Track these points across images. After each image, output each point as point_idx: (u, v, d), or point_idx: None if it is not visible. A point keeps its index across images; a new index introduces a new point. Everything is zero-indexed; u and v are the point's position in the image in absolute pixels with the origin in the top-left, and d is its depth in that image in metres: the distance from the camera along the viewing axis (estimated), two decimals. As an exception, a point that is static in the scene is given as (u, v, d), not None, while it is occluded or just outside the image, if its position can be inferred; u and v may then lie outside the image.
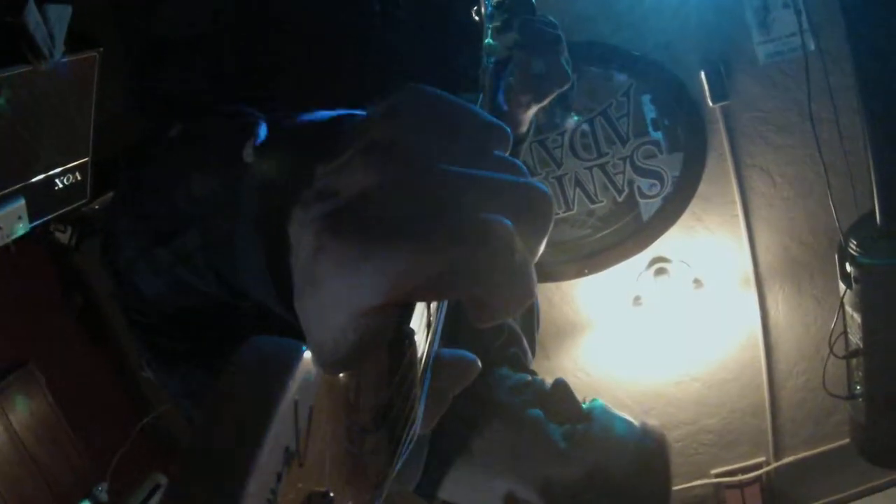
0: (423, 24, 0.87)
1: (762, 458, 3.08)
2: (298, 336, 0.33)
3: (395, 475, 0.39)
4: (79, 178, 1.62)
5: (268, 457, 0.24)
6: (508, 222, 0.32)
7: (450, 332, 0.50)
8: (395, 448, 0.37)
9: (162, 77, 0.86)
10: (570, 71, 0.98)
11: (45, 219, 1.61)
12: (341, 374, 0.34)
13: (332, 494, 0.31)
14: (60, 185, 1.58)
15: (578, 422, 0.98)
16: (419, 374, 0.38)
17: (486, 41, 0.83)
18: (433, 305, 0.40)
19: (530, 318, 1.21)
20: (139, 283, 0.59)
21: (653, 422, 1.02)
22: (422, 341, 0.38)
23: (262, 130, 0.48)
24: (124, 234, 0.61)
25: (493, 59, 0.87)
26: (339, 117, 0.44)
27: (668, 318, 2.96)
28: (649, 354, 3.03)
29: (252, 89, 0.79)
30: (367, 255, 0.30)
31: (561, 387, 1.02)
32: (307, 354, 0.32)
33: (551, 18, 1.02)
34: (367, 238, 0.31)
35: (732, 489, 3.07)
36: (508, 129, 0.37)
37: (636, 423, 1.02)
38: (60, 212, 1.64)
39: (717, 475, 3.10)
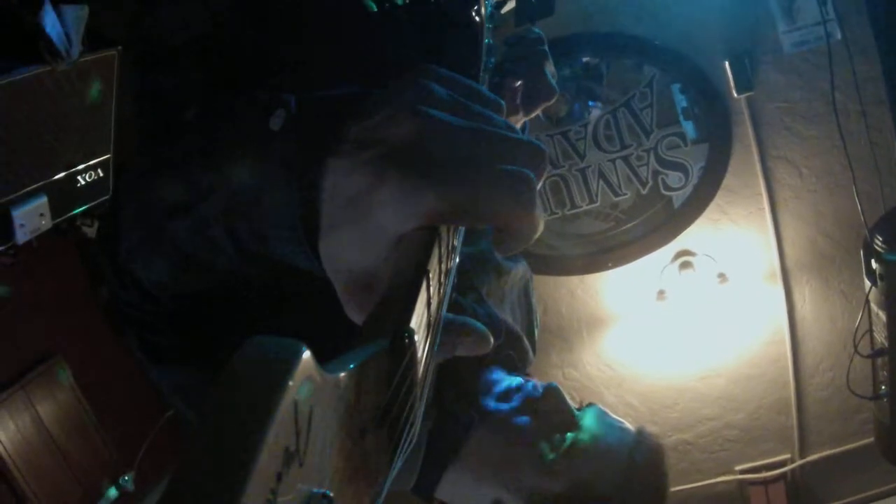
0: (422, 24, 0.87)
1: (787, 455, 3.04)
2: (298, 336, 0.33)
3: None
4: (101, 174, 1.64)
5: (268, 457, 0.24)
6: (532, 174, 0.40)
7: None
8: (395, 448, 0.37)
9: (160, 79, 0.87)
10: (555, 84, 1.00)
11: (68, 216, 1.63)
12: (342, 375, 0.34)
13: (331, 494, 0.30)
14: (83, 182, 1.60)
15: (569, 430, 0.97)
16: (419, 374, 0.38)
17: (486, 41, 0.82)
18: (433, 306, 0.40)
19: (528, 317, 1.19)
20: (139, 270, 0.61)
21: (651, 429, 0.99)
22: (422, 341, 0.38)
23: (292, 101, 0.51)
24: (129, 221, 0.62)
25: (493, 60, 0.87)
26: (360, 91, 0.49)
27: (693, 313, 2.93)
28: (673, 349, 3.01)
29: (249, 90, 0.80)
30: (428, 183, 0.38)
31: (553, 392, 1.00)
32: (307, 354, 0.32)
33: (539, 32, 1.02)
34: (425, 171, 0.39)
35: (757, 486, 3.03)
36: (503, 102, 0.47)
37: (632, 430, 0.99)
38: (83, 208, 1.66)
39: (742, 471, 3.07)
